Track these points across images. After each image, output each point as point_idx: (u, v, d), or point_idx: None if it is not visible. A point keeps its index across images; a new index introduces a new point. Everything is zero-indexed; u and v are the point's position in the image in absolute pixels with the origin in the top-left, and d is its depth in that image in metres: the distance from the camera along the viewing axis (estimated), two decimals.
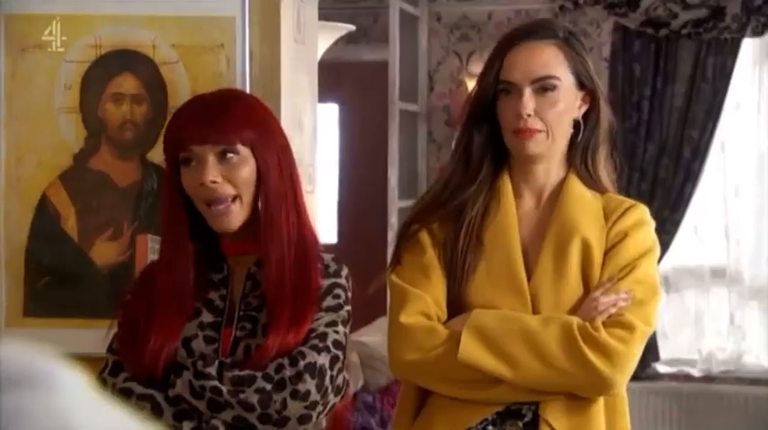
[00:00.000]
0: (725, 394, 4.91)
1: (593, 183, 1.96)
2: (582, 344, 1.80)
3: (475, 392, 1.86)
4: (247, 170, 1.84)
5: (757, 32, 4.84)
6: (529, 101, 1.87)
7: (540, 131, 1.88)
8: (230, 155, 1.83)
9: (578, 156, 1.95)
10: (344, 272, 1.90)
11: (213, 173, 1.81)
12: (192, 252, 1.89)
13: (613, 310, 1.84)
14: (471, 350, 1.82)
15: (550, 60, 1.90)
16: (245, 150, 1.83)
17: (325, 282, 1.86)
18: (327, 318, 1.83)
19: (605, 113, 1.96)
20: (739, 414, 4.87)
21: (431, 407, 1.92)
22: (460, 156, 1.96)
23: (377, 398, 4.23)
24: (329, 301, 1.85)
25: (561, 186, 1.95)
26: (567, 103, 1.91)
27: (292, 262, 1.85)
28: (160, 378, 1.81)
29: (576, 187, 1.94)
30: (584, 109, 1.94)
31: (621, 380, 1.84)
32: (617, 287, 1.86)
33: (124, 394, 1.82)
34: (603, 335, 1.81)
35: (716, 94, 4.86)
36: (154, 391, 1.81)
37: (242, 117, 1.85)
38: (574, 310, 1.87)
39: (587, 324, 1.82)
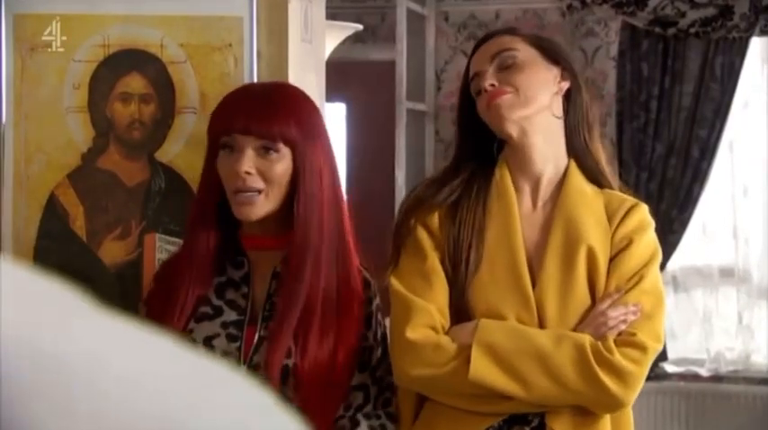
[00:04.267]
0: (733, 394, 4.90)
1: (594, 171, 1.94)
2: (596, 366, 1.79)
3: (484, 405, 1.84)
4: (282, 167, 1.85)
5: (766, 31, 4.83)
6: (490, 76, 1.88)
7: (507, 93, 1.87)
8: (270, 151, 1.84)
9: (575, 140, 1.93)
10: (373, 287, 1.95)
11: (248, 164, 1.83)
12: (215, 236, 1.90)
13: (623, 326, 1.82)
14: (482, 369, 1.79)
15: (505, 40, 1.93)
16: (285, 149, 1.85)
17: (375, 304, 1.92)
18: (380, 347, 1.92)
19: (585, 92, 1.95)
20: (748, 414, 4.86)
21: (432, 413, 1.90)
22: (452, 164, 1.99)
23: None
24: (380, 329, 1.92)
25: (562, 180, 1.92)
26: (536, 72, 1.89)
27: (328, 272, 1.86)
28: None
29: (577, 180, 1.92)
30: (565, 86, 1.93)
31: (632, 398, 1.83)
32: (625, 299, 1.84)
33: None
34: (617, 357, 1.80)
35: (724, 93, 4.85)
36: None
37: (291, 116, 1.86)
38: (581, 320, 1.85)
39: (600, 344, 1.80)
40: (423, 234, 1.91)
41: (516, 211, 1.91)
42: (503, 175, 1.92)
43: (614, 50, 5.03)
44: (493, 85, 1.86)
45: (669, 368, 5.01)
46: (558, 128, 1.92)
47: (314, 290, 1.83)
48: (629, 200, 1.95)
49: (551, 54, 1.92)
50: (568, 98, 1.93)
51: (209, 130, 1.93)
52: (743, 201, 4.99)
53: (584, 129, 1.93)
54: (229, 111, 1.88)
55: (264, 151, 1.84)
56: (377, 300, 1.92)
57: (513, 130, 1.88)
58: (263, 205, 1.84)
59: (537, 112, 1.88)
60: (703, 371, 5.01)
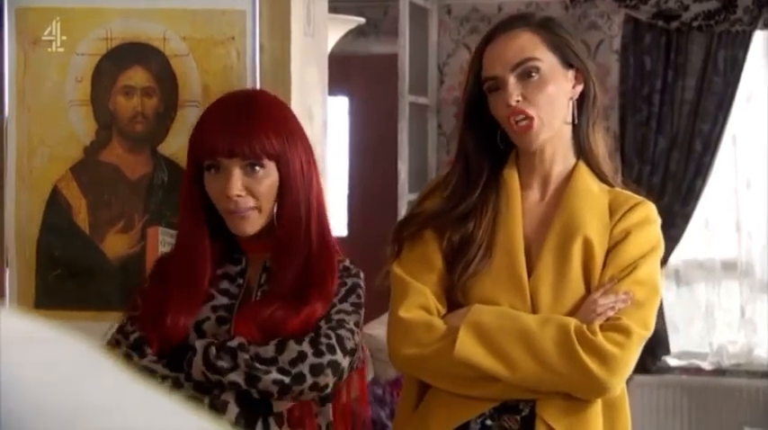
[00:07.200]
0: (735, 387, 4.90)
1: (599, 171, 1.95)
2: (578, 346, 1.80)
3: (472, 389, 1.86)
4: (270, 182, 1.89)
5: None
6: (514, 89, 1.86)
7: (533, 118, 1.86)
8: (257, 168, 1.87)
9: (583, 142, 1.94)
10: (362, 276, 1.96)
11: (238, 186, 1.87)
12: (209, 249, 1.93)
13: (611, 313, 1.83)
14: (468, 347, 1.82)
15: (526, 44, 1.88)
16: (270, 164, 1.88)
17: (350, 281, 1.93)
18: (354, 317, 1.90)
19: (598, 92, 1.94)
20: (750, 407, 4.87)
21: (430, 400, 1.92)
22: (460, 165, 1.96)
23: (386, 390, 4.23)
24: (354, 299, 1.92)
25: (570, 177, 1.94)
26: (556, 84, 1.89)
27: (311, 265, 1.90)
28: (176, 352, 1.86)
29: (584, 179, 1.93)
30: (578, 90, 1.92)
31: (616, 383, 1.83)
32: (617, 288, 1.85)
33: (147, 372, 1.87)
34: (599, 338, 1.81)
35: (727, 86, 4.85)
36: (177, 374, 1.86)
37: (270, 131, 1.88)
38: (574, 309, 1.86)
39: (584, 326, 1.81)
40: (429, 232, 1.93)
41: (519, 206, 1.93)
42: (511, 176, 1.94)
43: (617, 44, 5.02)
44: (518, 101, 1.86)
45: (672, 361, 5.01)
46: (568, 131, 1.94)
47: (301, 283, 1.88)
48: (636, 198, 1.95)
49: (567, 58, 1.91)
50: (580, 100, 1.93)
51: (190, 153, 1.93)
52: (746, 195, 4.99)
53: (591, 132, 1.94)
54: (210, 134, 1.89)
55: (251, 168, 1.87)
56: (361, 280, 1.94)
57: (534, 148, 1.91)
58: (257, 220, 1.90)
59: (554, 127, 1.90)
60: (706, 365, 5.02)
